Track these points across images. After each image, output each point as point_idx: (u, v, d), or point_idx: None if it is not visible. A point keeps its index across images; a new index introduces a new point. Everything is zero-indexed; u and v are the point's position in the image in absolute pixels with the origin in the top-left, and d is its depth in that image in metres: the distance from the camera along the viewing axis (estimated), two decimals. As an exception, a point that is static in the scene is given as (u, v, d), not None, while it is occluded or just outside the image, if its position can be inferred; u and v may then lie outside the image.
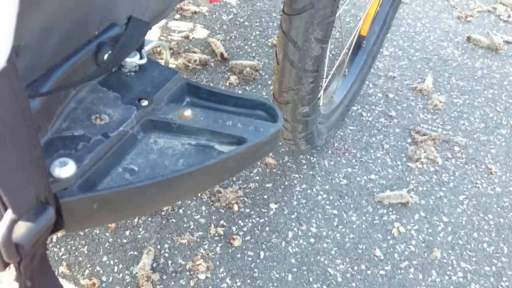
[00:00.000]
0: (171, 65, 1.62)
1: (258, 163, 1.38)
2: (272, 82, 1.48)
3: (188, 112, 0.58)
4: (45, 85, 0.50)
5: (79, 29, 0.53)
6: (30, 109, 0.40)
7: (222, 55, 1.66)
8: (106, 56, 0.56)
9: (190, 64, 1.61)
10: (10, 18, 0.34)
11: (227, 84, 1.58)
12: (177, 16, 1.85)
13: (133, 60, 0.59)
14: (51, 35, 0.49)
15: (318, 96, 1.05)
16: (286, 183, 1.34)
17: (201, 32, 1.77)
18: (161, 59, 1.61)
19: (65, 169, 0.48)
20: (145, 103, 0.57)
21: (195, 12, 1.85)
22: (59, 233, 1.19)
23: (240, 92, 1.56)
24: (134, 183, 0.51)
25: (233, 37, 1.77)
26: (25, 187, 0.42)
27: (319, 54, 0.89)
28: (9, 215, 0.42)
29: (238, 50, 1.72)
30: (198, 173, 0.55)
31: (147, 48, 0.61)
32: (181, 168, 0.54)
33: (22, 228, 0.43)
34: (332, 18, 0.84)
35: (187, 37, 1.74)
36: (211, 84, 1.58)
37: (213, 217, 1.24)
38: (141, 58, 0.60)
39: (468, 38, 1.88)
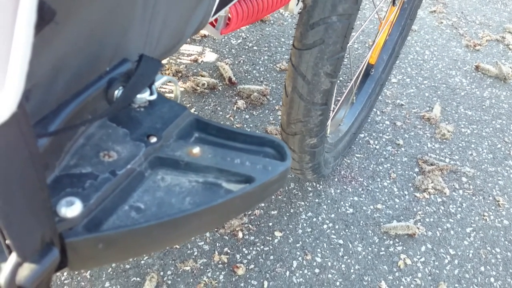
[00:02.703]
0: (179, 89, 1.62)
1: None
2: (280, 109, 1.48)
3: (196, 150, 0.58)
4: (54, 122, 0.50)
5: (90, 66, 0.53)
6: (39, 153, 0.39)
7: (230, 79, 1.66)
8: (116, 92, 0.56)
9: (198, 88, 1.62)
10: (22, 64, 0.34)
11: (235, 108, 1.58)
12: (187, 39, 1.86)
13: (143, 96, 0.59)
14: (62, 73, 0.49)
15: (326, 127, 1.05)
16: (292, 210, 1.33)
17: (210, 56, 1.78)
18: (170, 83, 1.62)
19: (71, 209, 0.47)
20: (153, 139, 0.57)
21: (205, 36, 1.87)
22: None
23: (247, 116, 1.56)
24: (140, 223, 0.51)
25: (242, 61, 1.78)
26: (31, 230, 0.41)
27: (328, 88, 0.89)
28: (13, 258, 0.41)
29: (246, 74, 1.73)
30: (204, 213, 0.54)
31: (157, 83, 0.61)
32: (187, 208, 0.54)
33: (26, 271, 0.42)
34: (342, 53, 0.84)
35: (196, 61, 1.75)
36: (218, 108, 1.58)
37: (217, 244, 1.23)
38: (151, 94, 0.59)
39: (477, 67, 1.88)
